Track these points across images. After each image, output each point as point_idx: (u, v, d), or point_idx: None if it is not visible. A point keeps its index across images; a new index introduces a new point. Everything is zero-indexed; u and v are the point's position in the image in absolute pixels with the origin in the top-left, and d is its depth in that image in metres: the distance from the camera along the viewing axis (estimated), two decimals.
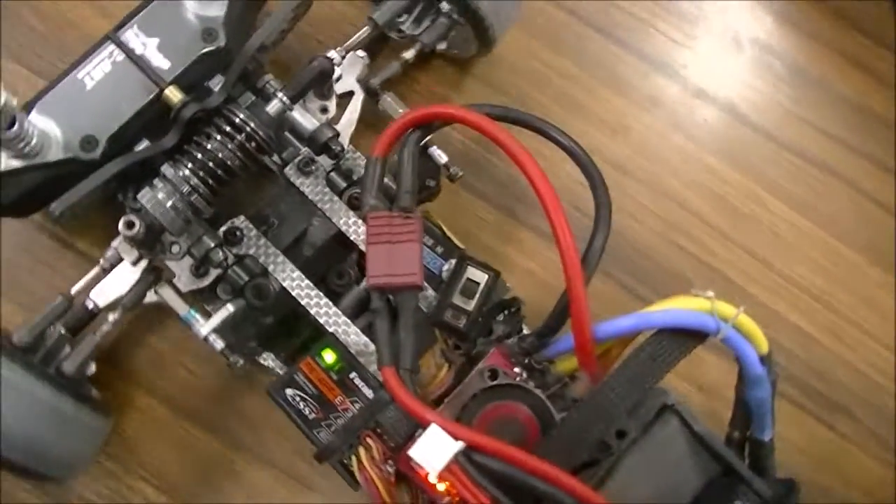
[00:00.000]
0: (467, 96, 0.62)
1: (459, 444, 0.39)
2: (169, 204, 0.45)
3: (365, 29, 0.54)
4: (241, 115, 0.46)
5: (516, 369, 0.45)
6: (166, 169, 0.46)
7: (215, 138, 0.47)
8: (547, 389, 0.45)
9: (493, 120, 0.44)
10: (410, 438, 0.43)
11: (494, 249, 0.60)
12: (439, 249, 0.52)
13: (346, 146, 0.53)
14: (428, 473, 0.40)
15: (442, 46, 0.57)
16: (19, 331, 0.48)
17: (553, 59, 0.63)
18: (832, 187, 0.65)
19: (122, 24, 0.52)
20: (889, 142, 0.66)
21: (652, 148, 0.63)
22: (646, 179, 0.62)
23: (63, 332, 0.50)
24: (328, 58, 0.50)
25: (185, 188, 0.46)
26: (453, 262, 0.50)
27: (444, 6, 0.55)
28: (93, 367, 0.52)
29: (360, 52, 0.55)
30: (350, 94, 0.55)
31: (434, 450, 0.39)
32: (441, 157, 0.52)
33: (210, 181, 0.46)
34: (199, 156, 0.46)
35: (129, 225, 0.45)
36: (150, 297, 0.51)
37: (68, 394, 0.48)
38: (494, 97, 0.61)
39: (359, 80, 0.55)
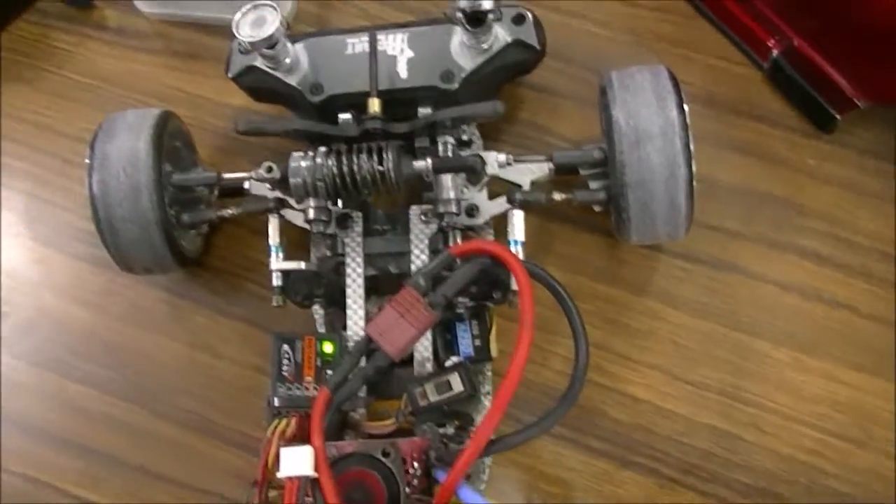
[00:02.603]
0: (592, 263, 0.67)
1: (311, 474, 0.49)
2: (302, 175, 0.57)
3: (541, 157, 0.61)
4: (389, 157, 0.56)
5: (415, 465, 0.52)
6: (321, 151, 0.58)
7: (365, 156, 0.57)
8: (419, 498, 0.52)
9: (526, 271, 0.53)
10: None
11: None
12: (476, 343, 0.60)
13: (483, 221, 0.62)
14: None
15: (596, 208, 0.63)
16: (175, 177, 0.63)
17: None
18: (722, 280, 0.66)
19: (402, 25, 0.63)
20: (773, 217, 0.67)
21: None
22: None
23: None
24: (481, 158, 0.59)
25: (319, 174, 0.57)
26: (460, 359, 0.58)
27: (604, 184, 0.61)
28: (205, 227, 0.67)
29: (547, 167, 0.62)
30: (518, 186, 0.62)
31: (295, 462, 0.49)
32: (515, 284, 0.58)
33: (338, 182, 0.57)
34: (346, 159, 0.57)
35: (269, 169, 0.57)
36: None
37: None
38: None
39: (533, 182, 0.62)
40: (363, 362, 0.56)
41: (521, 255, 0.59)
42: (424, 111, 0.61)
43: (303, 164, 0.57)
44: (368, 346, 0.54)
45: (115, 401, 0.68)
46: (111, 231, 0.61)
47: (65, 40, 0.77)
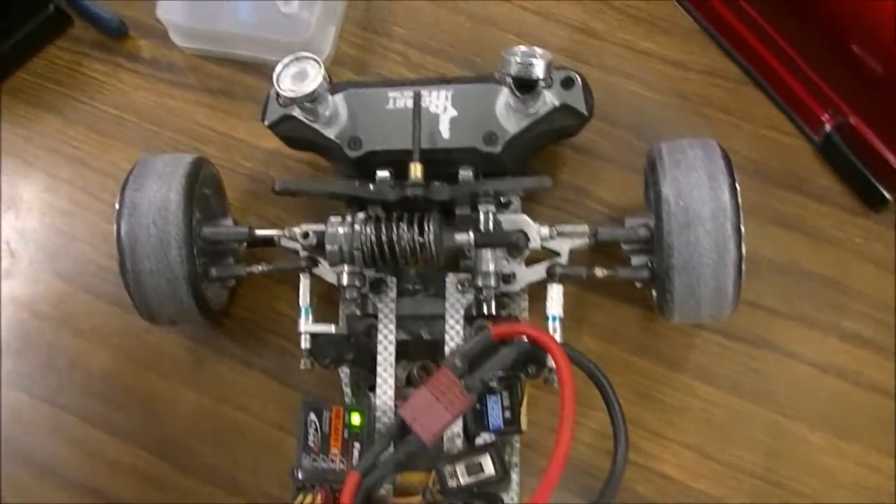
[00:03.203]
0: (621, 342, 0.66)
1: None
2: (339, 242, 0.55)
3: (584, 231, 0.59)
4: (430, 229, 0.55)
5: None
6: (359, 218, 0.56)
7: (405, 225, 0.55)
8: None
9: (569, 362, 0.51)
10: None
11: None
12: (506, 414, 0.58)
13: (519, 288, 0.60)
14: None
15: (637, 283, 0.61)
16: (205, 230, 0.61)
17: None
18: (760, 359, 0.64)
19: (445, 81, 0.62)
20: (815, 296, 0.65)
21: None
22: None
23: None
24: (525, 235, 0.57)
25: (357, 243, 0.55)
26: (491, 437, 0.56)
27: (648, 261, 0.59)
28: (232, 281, 0.66)
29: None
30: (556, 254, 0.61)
31: None
32: (552, 362, 0.57)
33: (376, 251, 0.55)
34: (384, 227, 0.55)
35: (305, 235, 0.56)
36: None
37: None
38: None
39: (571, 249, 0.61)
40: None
41: (558, 331, 0.57)
42: (465, 173, 0.60)
43: (340, 230, 0.56)
44: (402, 429, 0.53)
45: (133, 448, 0.66)
46: (137, 282, 0.59)
47: (97, 69, 0.75)
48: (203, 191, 0.63)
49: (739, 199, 0.55)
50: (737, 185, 0.55)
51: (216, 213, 0.66)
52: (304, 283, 0.60)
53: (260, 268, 0.62)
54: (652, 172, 0.57)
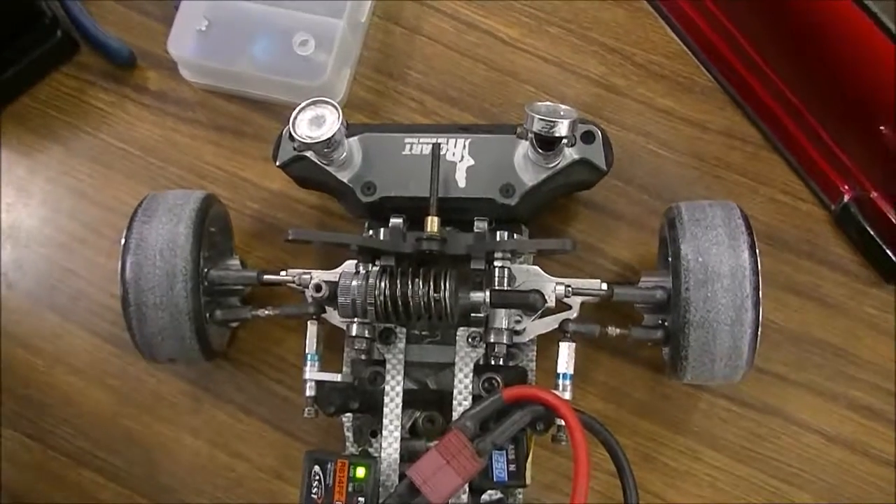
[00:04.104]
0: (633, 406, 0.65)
1: None
2: (353, 295, 0.54)
3: (600, 288, 0.58)
4: (445, 287, 0.53)
5: None
6: (373, 272, 0.55)
7: (420, 280, 0.54)
8: None
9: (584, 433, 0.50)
10: None
11: None
12: (511, 468, 0.56)
13: (528, 339, 0.59)
14: None
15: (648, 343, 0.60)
16: (212, 273, 0.60)
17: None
18: (766, 426, 0.64)
19: (464, 129, 0.61)
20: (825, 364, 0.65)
21: None
22: None
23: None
24: (543, 297, 0.56)
25: (370, 297, 0.54)
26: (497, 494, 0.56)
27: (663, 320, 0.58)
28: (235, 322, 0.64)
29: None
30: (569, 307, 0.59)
31: None
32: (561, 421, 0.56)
33: (389, 307, 0.54)
34: (399, 282, 0.54)
35: (318, 288, 0.55)
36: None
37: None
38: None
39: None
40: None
41: (568, 390, 0.56)
42: (481, 224, 0.59)
43: (354, 283, 0.54)
44: (410, 491, 0.51)
45: (127, 492, 0.65)
46: (139, 317, 0.57)
47: (102, 99, 0.73)
48: (210, 228, 0.62)
49: (759, 259, 0.54)
50: (756, 245, 0.55)
51: (222, 252, 0.65)
52: (312, 330, 0.58)
53: (266, 312, 0.60)
54: (671, 230, 0.57)
